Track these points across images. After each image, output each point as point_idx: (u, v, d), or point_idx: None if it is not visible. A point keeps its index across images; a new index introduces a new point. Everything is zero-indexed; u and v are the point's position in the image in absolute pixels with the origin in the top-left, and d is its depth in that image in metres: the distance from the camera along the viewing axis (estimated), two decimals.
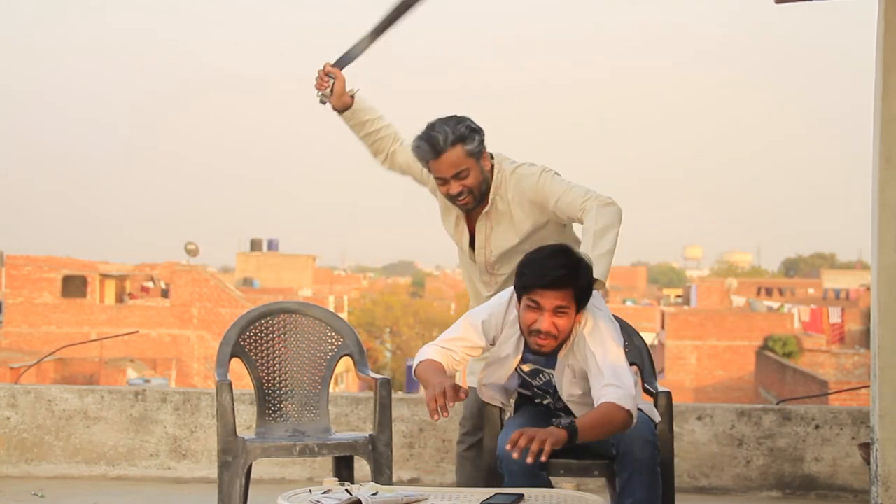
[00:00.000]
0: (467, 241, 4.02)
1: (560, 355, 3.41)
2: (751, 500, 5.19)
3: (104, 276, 37.48)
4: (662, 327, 38.68)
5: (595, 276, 3.42)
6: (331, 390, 4.38)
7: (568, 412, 3.51)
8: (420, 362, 3.41)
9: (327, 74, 4.03)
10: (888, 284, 3.99)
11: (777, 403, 5.46)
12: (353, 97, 4.04)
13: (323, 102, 4.04)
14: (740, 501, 5.16)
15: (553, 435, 3.02)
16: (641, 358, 3.88)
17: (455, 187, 3.82)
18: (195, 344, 34.51)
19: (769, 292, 52.57)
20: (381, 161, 4.12)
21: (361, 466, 4.48)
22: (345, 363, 4.78)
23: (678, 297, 57.52)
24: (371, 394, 4.40)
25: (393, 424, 4.12)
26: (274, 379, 4.25)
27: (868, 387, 4.28)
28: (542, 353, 3.39)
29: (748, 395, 31.72)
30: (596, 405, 3.26)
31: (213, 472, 4.41)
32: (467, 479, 4.00)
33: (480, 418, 3.88)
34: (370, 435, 4.02)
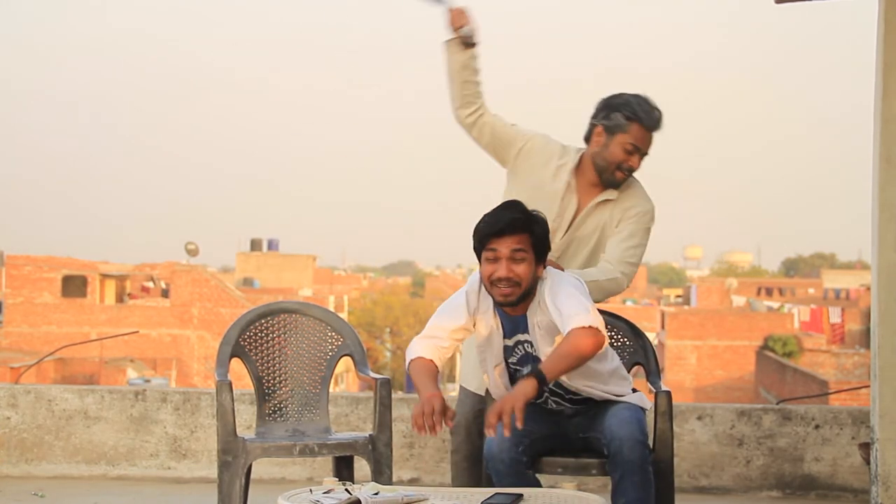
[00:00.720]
0: (561, 204, 3.88)
1: (528, 314, 3.42)
2: (751, 500, 5.19)
3: (104, 276, 37.48)
4: (662, 327, 38.67)
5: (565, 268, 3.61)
6: (331, 390, 4.38)
7: (570, 420, 3.53)
8: (412, 361, 3.43)
9: (461, 14, 3.88)
10: (888, 284, 3.99)
11: (777, 403, 5.46)
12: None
13: (468, 35, 3.88)
14: (740, 501, 5.16)
15: (520, 394, 3.09)
16: (646, 357, 3.87)
17: (636, 162, 3.86)
18: (195, 344, 34.52)
19: (769, 292, 52.56)
20: (468, 114, 3.91)
21: (361, 466, 4.49)
22: (345, 363, 4.78)
23: (678, 297, 57.53)
24: (371, 394, 4.40)
25: (393, 424, 4.12)
26: (274, 379, 4.25)
27: (868, 387, 4.28)
28: (507, 305, 3.39)
29: (748, 395, 31.72)
30: (563, 334, 3.29)
31: (213, 472, 4.41)
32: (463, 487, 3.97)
33: (475, 424, 3.86)
34: (370, 435, 4.02)
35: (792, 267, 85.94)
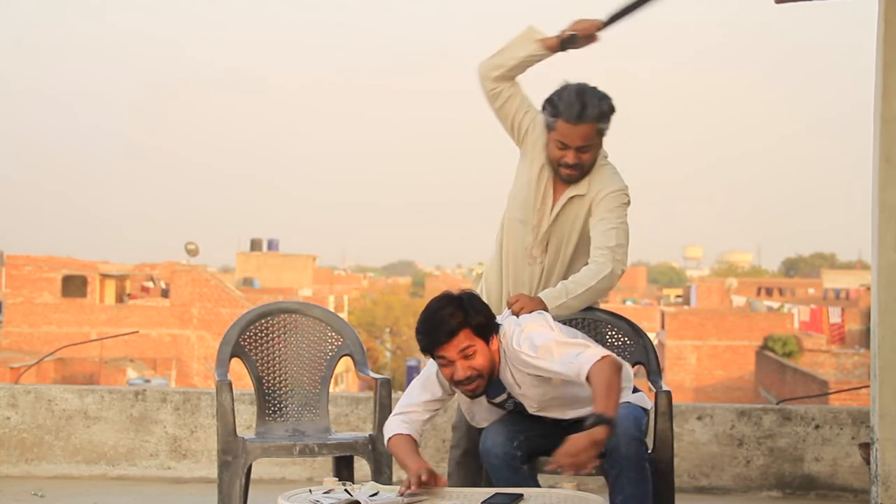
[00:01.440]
0: (539, 199, 3.91)
1: (501, 377, 3.37)
2: (751, 500, 5.20)
3: (104, 276, 37.49)
4: (662, 327, 38.68)
5: (547, 303, 3.59)
6: (331, 390, 4.38)
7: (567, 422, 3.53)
8: (390, 439, 3.38)
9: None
10: (888, 284, 3.99)
11: (777, 403, 5.46)
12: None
13: (573, 43, 3.92)
14: (740, 501, 5.16)
15: (594, 441, 2.98)
16: (647, 357, 3.86)
17: (572, 157, 3.78)
18: (195, 344, 34.52)
19: (769, 292, 52.60)
20: (496, 87, 3.93)
21: (361, 466, 4.48)
22: (345, 363, 4.78)
23: (678, 297, 57.54)
24: (371, 394, 4.40)
25: None
26: (274, 379, 4.25)
27: (868, 387, 4.28)
28: (478, 396, 3.35)
29: (748, 395, 31.72)
30: (582, 381, 3.20)
31: (213, 472, 4.41)
32: (461, 484, 3.97)
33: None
34: (370, 435, 4.02)
35: (792, 267, 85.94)
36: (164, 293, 38.09)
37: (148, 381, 25.70)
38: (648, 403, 3.57)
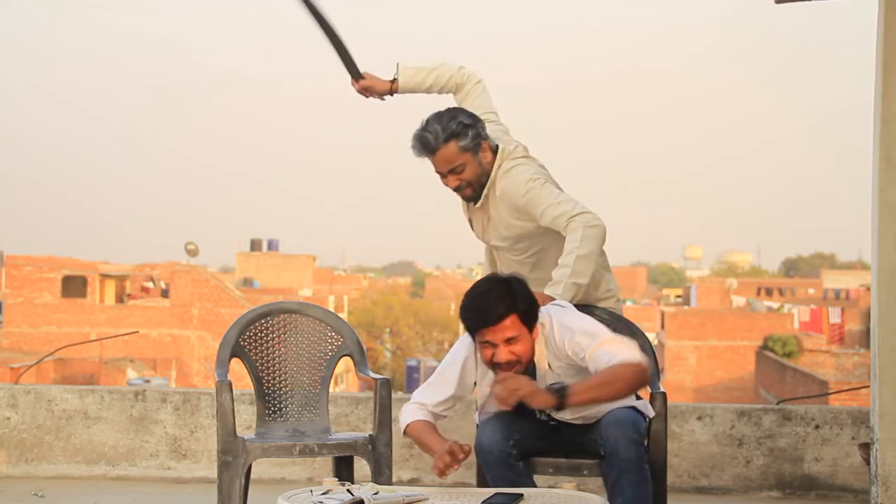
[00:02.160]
0: (477, 227, 4.10)
1: (538, 366, 3.39)
2: (751, 500, 5.19)
3: (104, 276, 37.50)
4: (662, 327, 38.70)
5: (559, 297, 3.57)
6: (331, 390, 4.38)
7: (565, 424, 3.52)
8: (409, 424, 3.39)
9: (363, 90, 4.22)
10: (888, 284, 3.99)
11: (777, 403, 5.45)
12: (395, 79, 4.19)
13: (384, 99, 4.26)
14: (740, 501, 5.16)
15: (534, 394, 3.09)
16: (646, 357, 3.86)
17: (452, 181, 3.89)
18: (195, 344, 34.53)
19: (769, 292, 52.61)
20: (459, 102, 4.16)
21: (361, 466, 4.48)
22: (345, 363, 4.78)
23: (678, 297, 57.59)
24: (371, 394, 4.40)
25: (393, 424, 4.12)
26: (274, 379, 4.25)
27: (868, 387, 4.28)
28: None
29: (748, 395, 31.74)
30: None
31: (213, 472, 4.41)
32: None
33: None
34: (370, 435, 4.02)
35: (792, 267, 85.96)
36: (164, 293, 38.11)
37: (148, 381, 25.71)
38: (651, 411, 3.57)
